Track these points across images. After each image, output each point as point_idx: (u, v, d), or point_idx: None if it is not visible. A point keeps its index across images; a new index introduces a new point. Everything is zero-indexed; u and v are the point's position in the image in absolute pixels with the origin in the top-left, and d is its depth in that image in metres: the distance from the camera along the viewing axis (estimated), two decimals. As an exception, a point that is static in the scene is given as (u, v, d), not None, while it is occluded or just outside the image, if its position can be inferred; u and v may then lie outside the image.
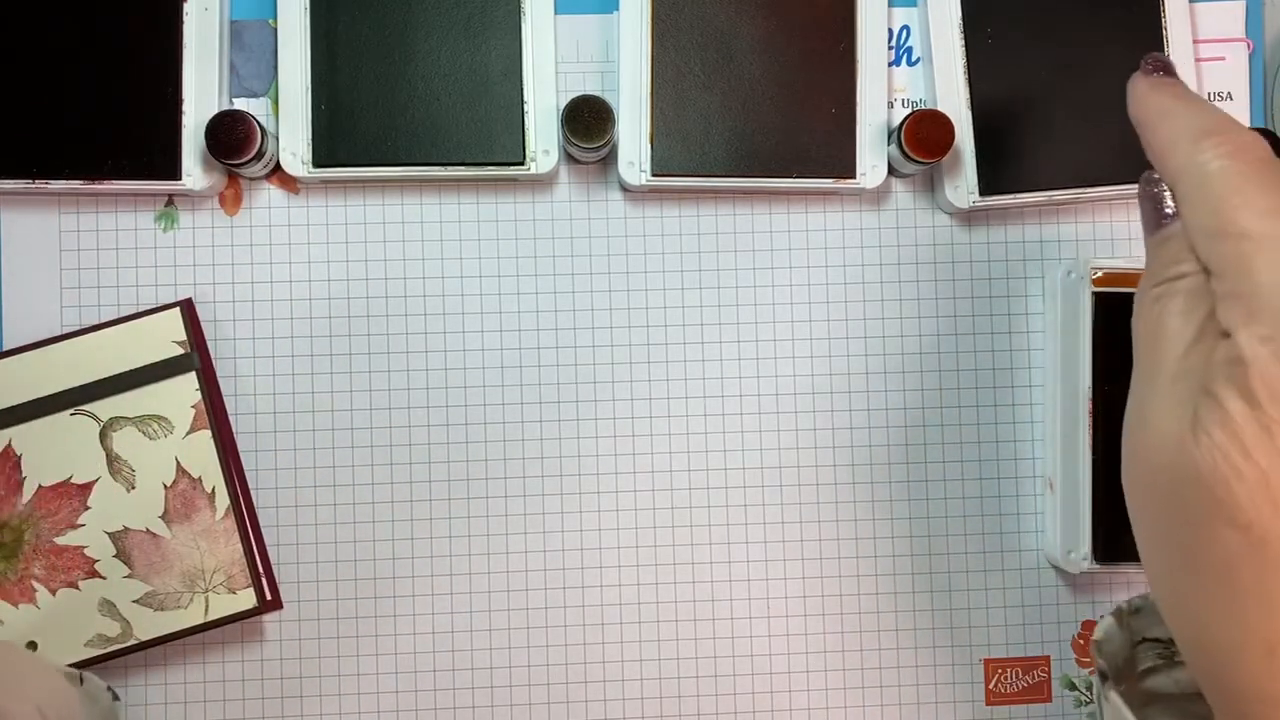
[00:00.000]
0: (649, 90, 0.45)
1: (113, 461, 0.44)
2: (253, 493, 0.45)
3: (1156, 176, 0.31)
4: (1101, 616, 0.40)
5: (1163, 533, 0.29)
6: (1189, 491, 0.28)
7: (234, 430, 0.45)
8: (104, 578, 0.43)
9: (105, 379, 0.44)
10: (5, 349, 0.45)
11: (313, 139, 0.45)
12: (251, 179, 0.47)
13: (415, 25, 0.45)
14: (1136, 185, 0.46)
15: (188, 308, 0.45)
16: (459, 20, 0.45)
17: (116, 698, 0.40)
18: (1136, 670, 0.39)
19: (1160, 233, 0.31)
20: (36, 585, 0.43)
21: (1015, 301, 0.48)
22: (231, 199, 0.47)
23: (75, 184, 0.44)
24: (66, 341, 0.44)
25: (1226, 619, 0.28)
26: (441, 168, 0.45)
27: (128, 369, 0.44)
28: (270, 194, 0.47)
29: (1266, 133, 0.45)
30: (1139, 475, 0.30)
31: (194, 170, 0.44)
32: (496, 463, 0.47)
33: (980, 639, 0.48)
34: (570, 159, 0.47)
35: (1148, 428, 0.29)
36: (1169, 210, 0.31)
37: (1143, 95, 0.32)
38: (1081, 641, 0.48)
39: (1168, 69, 0.33)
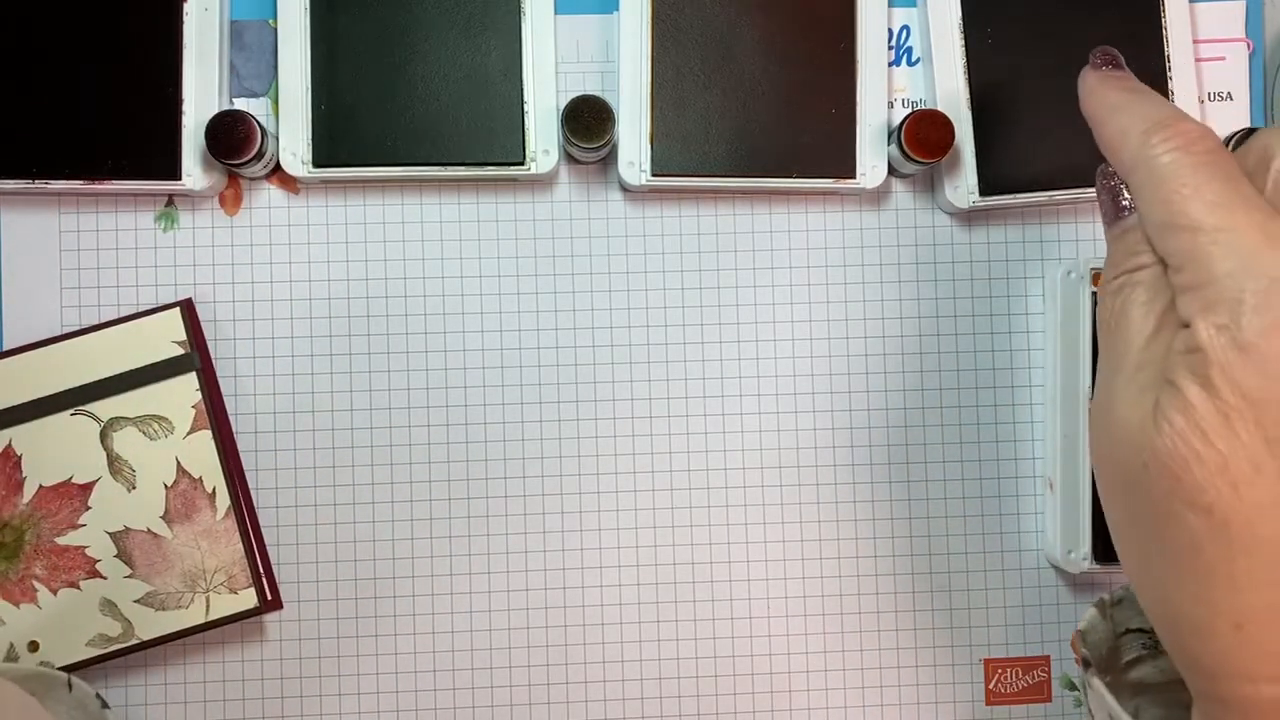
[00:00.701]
0: (649, 90, 0.45)
1: (113, 462, 0.44)
2: (253, 493, 0.46)
3: (1113, 170, 0.31)
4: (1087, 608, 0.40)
5: (1131, 517, 0.30)
6: (1154, 477, 0.28)
7: (234, 430, 0.45)
8: (105, 578, 0.43)
9: (105, 379, 0.44)
10: (5, 349, 0.45)
11: (313, 139, 0.45)
12: (251, 179, 0.47)
13: (415, 25, 0.45)
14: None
15: (188, 308, 0.45)
16: (459, 20, 0.45)
17: (105, 705, 0.40)
18: (1121, 662, 0.40)
19: (1118, 225, 0.31)
20: (38, 585, 0.43)
21: (1015, 301, 0.48)
22: (231, 199, 0.47)
23: (75, 184, 0.44)
24: (67, 342, 0.44)
25: (1195, 599, 0.28)
26: (441, 168, 0.45)
27: (128, 369, 0.44)
28: (270, 194, 0.47)
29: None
30: (1107, 462, 0.31)
31: (194, 170, 0.44)
32: (496, 462, 0.47)
33: (980, 639, 0.48)
34: (570, 159, 0.47)
35: (1113, 416, 0.30)
36: (1126, 203, 0.31)
37: (1092, 89, 0.33)
38: (1081, 641, 0.48)
39: (1116, 62, 0.33)
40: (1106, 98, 0.32)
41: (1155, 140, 0.30)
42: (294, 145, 0.45)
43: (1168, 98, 0.47)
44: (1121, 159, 0.31)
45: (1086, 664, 0.38)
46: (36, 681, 0.41)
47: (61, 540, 0.43)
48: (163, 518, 0.44)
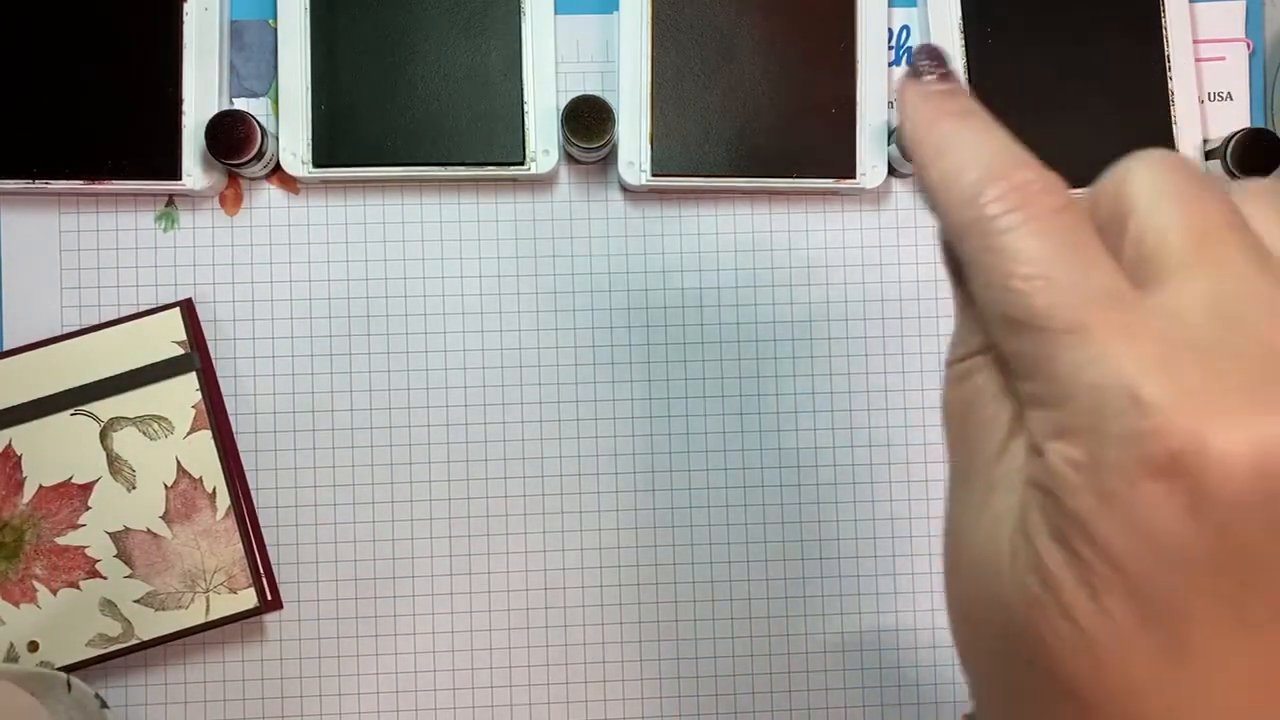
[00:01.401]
0: (649, 90, 0.45)
1: (113, 462, 0.44)
2: (253, 493, 0.46)
3: None
4: None
5: (987, 671, 0.24)
6: (1010, 636, 0.22)
7: (234, 430, 0.45)
8: (105, 578, 0.43)
9: (105, 379, 0.44)
10: (5, 349, 0.45)
11: (313, 139, 0.45)
12: (251, 179, 0.47)
13: (415, 25, 0.45)
14: (1136, 185, 0.46)
15: (188, 308, 0.45)
16: (459, 20, 0.45)
17: (105, 704, 0.40)
18: None
19: (961, 292, 0.24)
20: (38, 585, 0.43)
21: (1015, 301, 0.48)
22: (232, 199, 0.47)
23: (75, 184, 0.44)
24: (67, 342, 0.44)
25: None
26: (441, 168, 0.45)
27: (128, 369, 0.44)
28: (270, 194, 0.47)
29: (1266, 133, 0.45)
30: (957, 595, 0.24)
31: (194, 170, 0.44)
32: (496, 462, 0.47)
33: (980, 639, 0.47)
34: (570, 159, 0.47)
35: (964, 544, 0.23)
36: None
37: (910, 113, 0.25)
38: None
39: (942, 66, 0.25)
40: (930, 129, 0.25)
41: (988, 196, 0.22)
42: (294, 145, 0.45)
43: (1168, 98, 0.47)
44: (948, 217, 0.23)
45: None
46: (36, 682, 0.41)
47: (61, 540, 0.43)
48: (163, 518, 0.44)
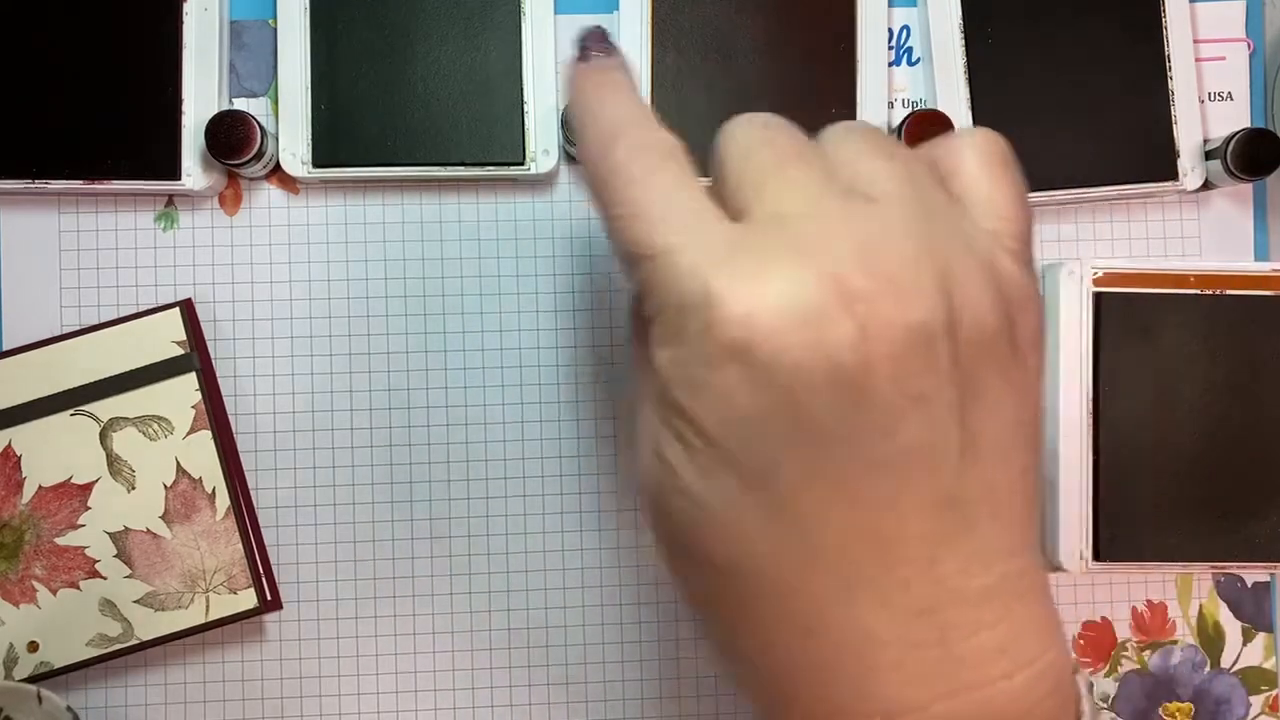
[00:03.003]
0: (649, 90, 0.45)
1: (113, 462, 0.44)
2: (253, 493, 0.45)
3: None
4: None
5: (675, 575, 0.28)
6: (665, 533, 0.26)
7: (234, 430, 0.45)
8: (105, 578, 0.43)
9: (105, 379, 0.44)
10: (5, 349, 0.45)
11: (312, 139, 0.45)
12: (251, 179, 0.47)
13: (415, 25, 0.45)
14: (1137, 185, 0.47)
15: (187, 308, 0.45)
16: (459, 20, 0.45)
17: (76, 717, 0.40)
18: None
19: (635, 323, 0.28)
20: (37, 585, 0.43)
21: (1015, 301, 0.48)
22: (231, 199, 0.47)
23: (75, 184, 0.44)
24: (66, 342, 0.44)
25: (760, 649, 0.26)
26: (441, 168, 0.45)
27: (128, 369, 0.44)
28: (270, 194, 0.47)
29: (1266, 133, 0.45)
30: (646, 512, 0.28)
31: (194, 170, 0.44)
32: (496, 463, 0.47)
33: (980, 639, 0.47)
34: (570, 159, 0.47)
35: (636, 451, 0.27)
36: None
37: (572, 88, 0.29)
38: (1082, 642, 0.48)
39: (604, 46, 0.30)
40: (583, 100, 0.29)
41: (611, 150, 0.27)
42: (294, 145, 0.45)
43: (1168, 97, 0.47)
44: (587, 173, 0.27)
45: None
46: (6, 695, 0.41)
47: (61, 540, 0.43)
48: (162, 518, 0.44)
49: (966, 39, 0.46)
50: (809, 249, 0.24)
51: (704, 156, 0.46)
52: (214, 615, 0.43)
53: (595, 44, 0.30)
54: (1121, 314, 0.46)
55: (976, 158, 0.27)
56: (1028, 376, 0.26)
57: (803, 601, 0.25)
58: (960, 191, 0.27)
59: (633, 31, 0.45)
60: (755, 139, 0.27)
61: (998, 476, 0.25)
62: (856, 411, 0.23)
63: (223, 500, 0.44)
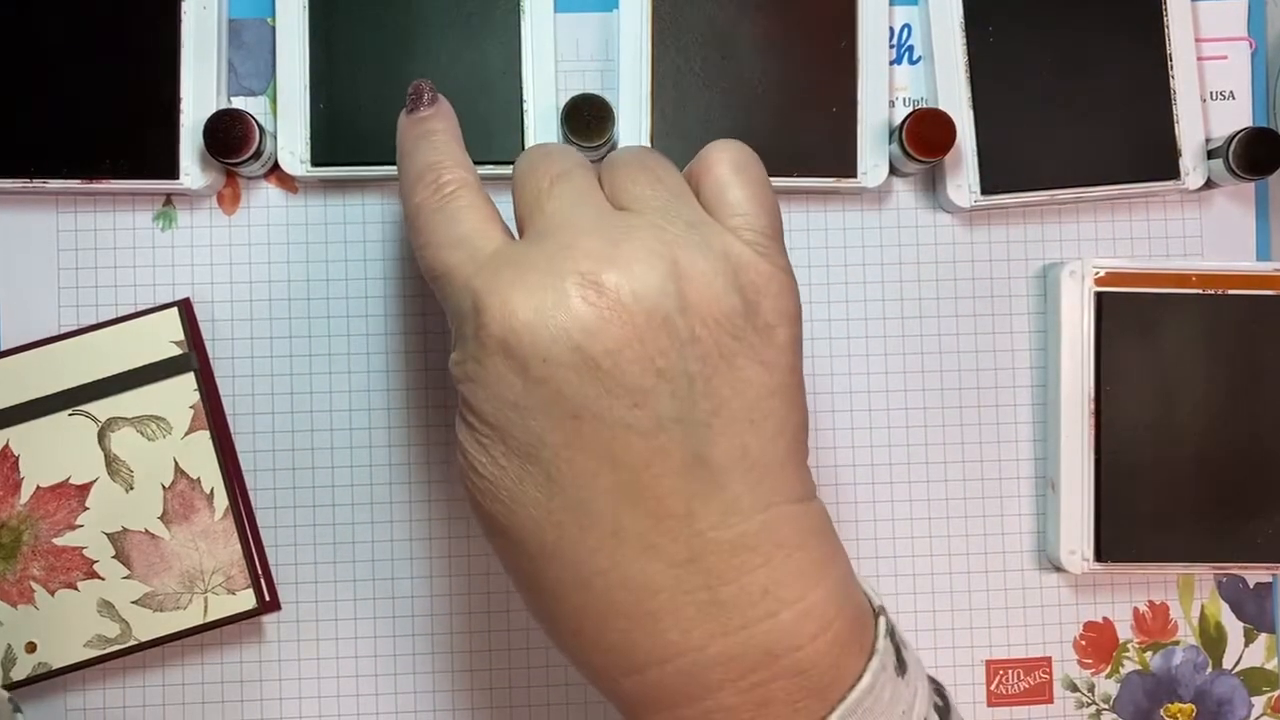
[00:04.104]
0: (649, 89, 0.45)
1: (111, 462, 0.43)
2: (252, 493, 0.45)
3: None
4: None
5: (490, 543, 0.32)
6: (473, 504, 0.31)
7: (233, 431, 0.45)
8: (103, 578, 0.43)
9: (103, 379, 0.44)
10: (2, 349, 0.45)
11: (311, 138, 0.45)
12: (250, 178, 0.46)
13: (414, 23, 0.45)
14: (1139, 185, 0.46)
15: (186, 307, 0.45)
16: (458, 18, 0.45)
17: (18, 709, 0.40)
18: None
19: None
20: (35, 586, 0.43)
21: (1017, 301, 0.48)
22: (230, 198, 0.46)
23: (73, 183, 0.44)
24: (64, 341, 0.44)
25: (539, 614, 0.31)
26: (441, 167, 0.45)
27: (126, 369, 0.44)
28: (269, 193, 0.47)
29: (1268, 132, 0.45)
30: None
31: (192, 169, 0.44)
32: (496, 463, 0.46)
33: (981, 640, 0.47)
34: (570, 158, 0.47)
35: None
36: None
37: (398, 133, 0.34)
38: (1083, 643, 0.48)
39: (422, 99, 0.34)
40: (400, 148, 0.34)
41: (415, 190, 0.32)
42: (293, 144, 0.45)
43: (1170, 96, 0.46)
44: (403, 208, 0.33)
45: None
46: None
47: (59, 541, 0.43)
48: (161, 518, 0.43)
49: (968, 37, 0.46)
50: (562, 254, 0.28)
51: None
52: (212, 616, 0.43)
53: (419, 97, 0.34)
54: (1123, 314, 0.46)
55: (724, 166, 0.31)
56: (775, 349, 0.30)
57: (584, 558, 0.29)
58: (712, 196, 0.31)
59: (633, 31, 0.45)
60: (535, 164, 0.31)
61: (748, 440, 0.29)
62: (605, 388, 0.28)
63: (221, 500, 0.44)
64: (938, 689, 0.32)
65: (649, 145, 0.45)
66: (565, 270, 0.28)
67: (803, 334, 0.31)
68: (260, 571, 0.44)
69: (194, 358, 0.44)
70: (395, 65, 0.45)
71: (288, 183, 0.46)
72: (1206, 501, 0.45)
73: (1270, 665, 0.48)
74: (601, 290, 0.28)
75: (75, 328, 0.45)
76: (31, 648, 0.43)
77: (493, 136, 0.45)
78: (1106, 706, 0.48)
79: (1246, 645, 0.48)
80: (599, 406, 0.28)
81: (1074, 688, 0.48)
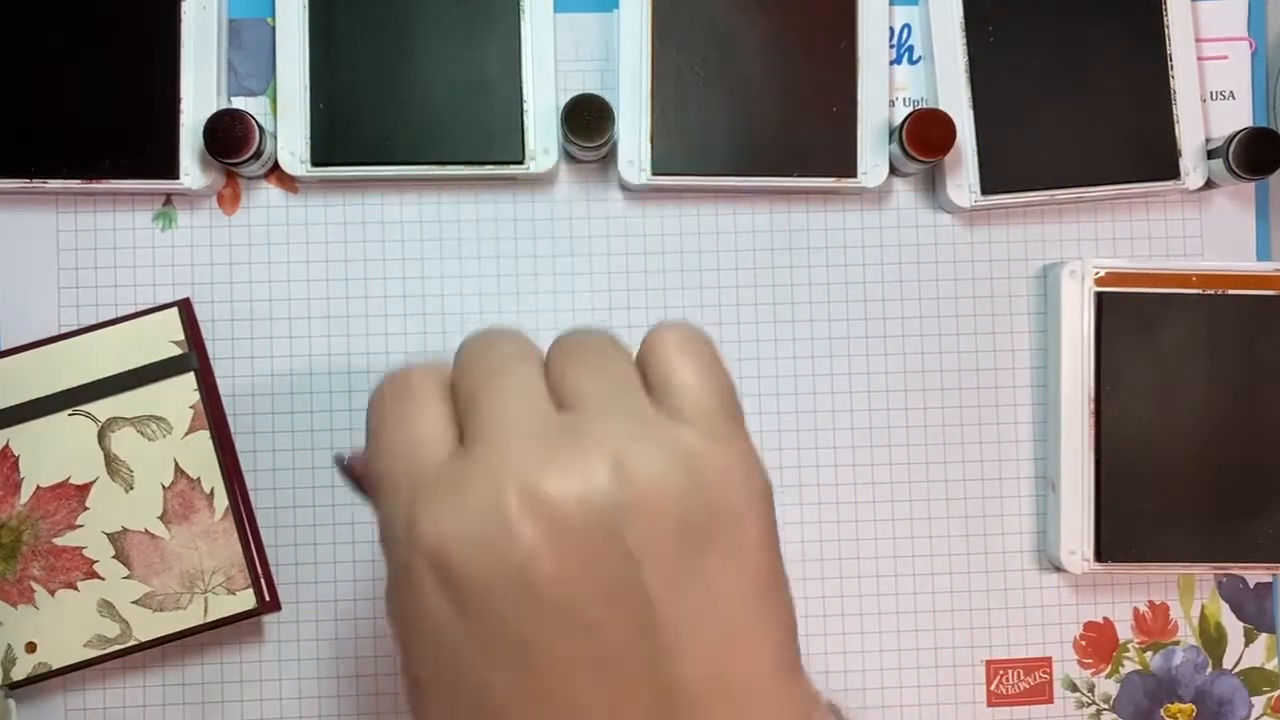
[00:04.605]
0: (649, 89, 0.45)
1: (111, 462, 0.43)
2: (252, 493, 0.45)
3: None
4: None
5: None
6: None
7: (232, 430, 0.45)
8: (103, 578, 0.43)
9: (103, 379, 0.44)
10: (3, 349, 0.45)
11: (311, 138, 0.45)
12: (250, 178, 0.46)
13: (414, 24, 0.45)
14: (1139, 185, 0.46)
15: (186, 307, 0.45)
16: (458, 18, 0.45)
17: (9, 694, 0.40)
18: None
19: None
20: (35, 586, 0.43)
21: (1016, 301, 0.48)
22: (230, 198, 0.46)
23: (73, 183, 0.44)
24: (64, 341, 0.44)
25: None
26: (441, 167, 0.45)
27: (126, 369, 0.44)
28: (269, 193, 0.47)
29: (1268, 132, 0.45)
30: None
31: (192, 169, 0.44)
32: (496, 463, 0.46)
33: (981, 640, 0.47)
34: (570, 158, 0.47)
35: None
36: None
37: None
38: (1083, 643, 0.48)
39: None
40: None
41: (373, 398, 0.29)
42: (292, 144, 0.45)
43: (1170, 96, 0.46)
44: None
45: None
46: None
47: (59, 541, 0.43)
48: (160, 518, 0.43)
49: (968, 37, 0.46)
50: (499, 465, 0.25)
51: (704, 155, 0.46)
52: (212, 616, 0.43)
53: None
54: (1123, 313, 0.46)
55: (669, 347, 0.28)
56: (748, 542, 0.26)
57: None
58: (659, 381, 0.28)
59: (633, 31, 0.45)
60: (475, 358, 0.29)
61: (725, 662, 0.25)
62: (553, 617, 0.24)
63: (221, 500, 0.44)
64: None
65: (651, 143, 0.45)
66: (507, 482, 0.24)
67: (776, 518, 0.28)
68: (260, 571, 0.44)
69: (194, 358, 0.44)
70: (395, 65, 0.45)
71: (288, 183, 0.46)
72: (1206, 501, 0.45)
73: (1270, 665, 0.48)
74: (545, 503, 0.24)
75: (75, 328, 0.45)
76: (31, 648, 0.43)
77: (493, 136, 0.45)
78: (1106, 706, 0.47)
79: (1247, 645, 0.48)
80: (547, 640, 0.24)
81: (1074, 688, 0.48)
